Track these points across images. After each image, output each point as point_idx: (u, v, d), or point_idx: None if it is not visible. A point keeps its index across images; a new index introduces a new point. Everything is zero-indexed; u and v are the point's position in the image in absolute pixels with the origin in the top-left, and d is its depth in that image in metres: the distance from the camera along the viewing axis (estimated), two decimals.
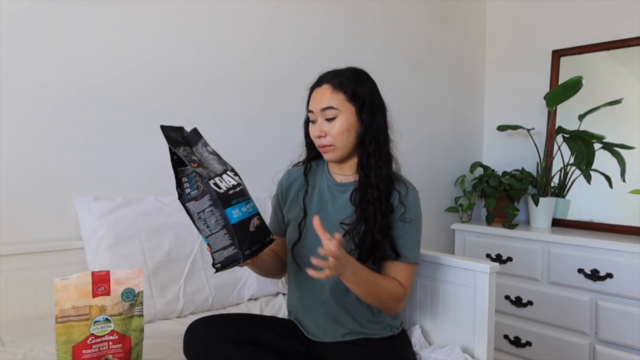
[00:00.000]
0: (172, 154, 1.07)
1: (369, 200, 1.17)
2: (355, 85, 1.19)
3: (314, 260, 1.00)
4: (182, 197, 1.09)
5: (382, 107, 1.23)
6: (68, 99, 1.55)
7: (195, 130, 1.14)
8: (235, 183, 1.08)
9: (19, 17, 1.45)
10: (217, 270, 1.06)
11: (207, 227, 1.06)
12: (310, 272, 1.01)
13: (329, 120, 1.18)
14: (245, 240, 1.04)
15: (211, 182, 1.04)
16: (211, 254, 1.06)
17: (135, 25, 1.67)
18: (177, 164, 1.09)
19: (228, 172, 1.09)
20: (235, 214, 1.04)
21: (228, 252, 1.05)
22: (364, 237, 1.17)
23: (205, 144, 1.13)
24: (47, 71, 1.51)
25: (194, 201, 1.08)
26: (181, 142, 1.09)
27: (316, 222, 1.02)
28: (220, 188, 1.05)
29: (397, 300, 1.19)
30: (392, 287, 1.17)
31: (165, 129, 1.08)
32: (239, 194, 1.07)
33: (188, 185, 1.08)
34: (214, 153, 1.13)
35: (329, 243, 0.99)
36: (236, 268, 1.68)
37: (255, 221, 1.07)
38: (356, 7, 2.26)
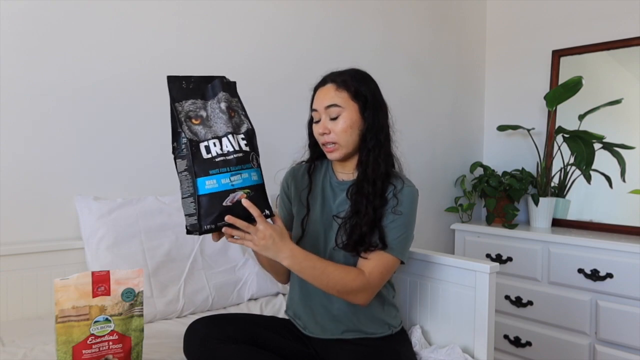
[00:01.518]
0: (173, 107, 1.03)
1: (363, 194, 1.18)
2: (359, 84, 1.21)
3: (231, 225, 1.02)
4: (175, 151, 1.06)
5: (384, 107, 1.25)
6: (68, 99, 1.55)
7: (221, 80, 1.08)
8: (232, 149, 1.02)
9: (18, 17, 1.46)
10: (188, 233, 1.04)
11: (181, 189, 1.04)
12: (229, 239, 1.05)
13: (333, 118, 1.19)
14: (211, 214, 0.99)
15: (202, 144, 1.00)
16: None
17: (135, 25, 1.67)
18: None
19: (232, 135, 1.03)
20: (209, 184, 0.98)
21: (191, 220, 1.01)
22: (354, 229, 1.17)
23: (224, 100, 1.06)
24: (47, 71, 1.51)
25: (180, 159, 1.04)
26: (191, 94, 1.04)
27: (246, 202, 1.02)
28: (209, 153, 1.00)
29: (357, 291, 1.13)
30: (350, 276, 1.12)
31: (172, 80, 1.03)
32: (230, 163, 1.01)
33: (184, 142, 1.03)
34: (230, 109, 1.06)
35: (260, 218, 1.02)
36: (237, 267, 1.69)
37: (238, 195, 1.00)
38: (356, 7, 2.26)
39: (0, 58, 1.43)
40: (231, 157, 1.01)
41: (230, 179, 1.00)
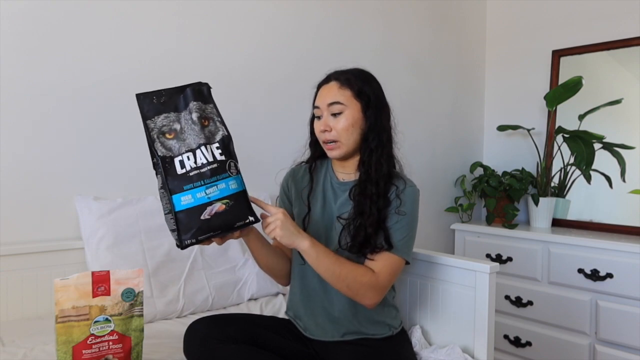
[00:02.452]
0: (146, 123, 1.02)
1: (366, 195, 1.18)
2: (362, 84, 1.21)
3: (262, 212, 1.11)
4: (155, 167, 1.05)
5: (387, 108, 1.25)
6: (68, 99, 1.55)
7: (192, 89, 1.06)
8: (206, 161, 1.01)
9: (18, 17, 1.45)
10: (177, 247, 1.04)
11: (162, 206, 1.04)
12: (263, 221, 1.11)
13: (335, 115, 1.19)
14: (190, 229, 0.99)
15: (177, 159, 0.99)
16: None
17: (135, 25, 1.67)
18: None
19: (205, 147, 1.02)
20: (185, 200, 0.98)
21: (174, 236, 1.02)
22: (358, 230, 1.17)
23: (196, 109, 1.04)
24: (47, 71, 1.51)
25: (159, 175, 1.04)
26: (163, 109, 1.03)
27: (252, 198, 1.09)
28: (183, 167, 0.99)
29: (367, 288, 1.13)
30: (360, 271, 1.13)
31: (142, 98, 1.02)
32: (204, 176, 1.00)
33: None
34: (203, 118, 1.04)
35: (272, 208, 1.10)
36: (237, 267, 1.70)
37: (216, 207, 1.00)
38: (356, 7, 2.26)
39: (0, 58, 1.43)
40: (205, 169, 1.01)
41: (205, 192, 1.00)
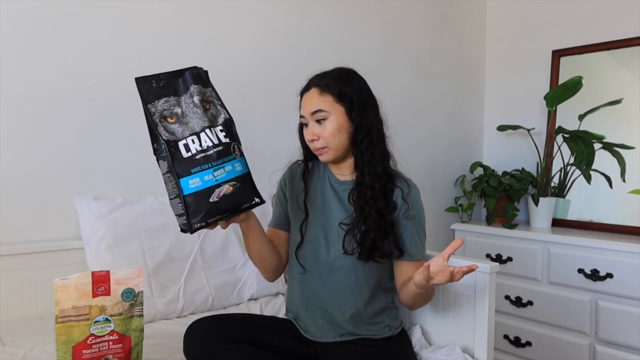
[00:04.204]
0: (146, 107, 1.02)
1: (365, 199, 1.18)
2: (343, 86, 1.18)
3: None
4: (157, 152, 1.05)
5: (373, 104, 1.23)
6: (68, 99, 1.55)
7: (191, 72, 1.05)
8: (211, 144, 1.00)
9: (18, 17, 1.46)
10: (182, 231, 1.04)
11: (167, 190, 1.04)
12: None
13: (320, 122, 1.18)
14: (199, 212, 0.98)
15: (181, 143, 0.99)
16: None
17: (135, 25, 1.67)
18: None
19: (209, 129, 1.01)
20: (193, 184, 0.98)
21: (182, 220, 1.02)
22: (364, 236, 1.17)
23: (197, 92, 1.04)
24: (47, 71, 1.51)
25: (161, 160, 1.03)
26: (163, 93, 1.03)
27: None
28: (188, 151, 0.99)
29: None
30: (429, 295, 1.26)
31: (142, 82, 1.02)
32: (211, 158, 0.99)
33: (162, 143, 1.02)
34: (205, 102, 1.04)
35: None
36: (237, 267, 1.70)
37: (224, 189, 1.00)
38: (356, 7, 2.26)
39: (0, 58, 1.43)
40: (211, 152, 1.00)
41: (213, 175, 0.99)
